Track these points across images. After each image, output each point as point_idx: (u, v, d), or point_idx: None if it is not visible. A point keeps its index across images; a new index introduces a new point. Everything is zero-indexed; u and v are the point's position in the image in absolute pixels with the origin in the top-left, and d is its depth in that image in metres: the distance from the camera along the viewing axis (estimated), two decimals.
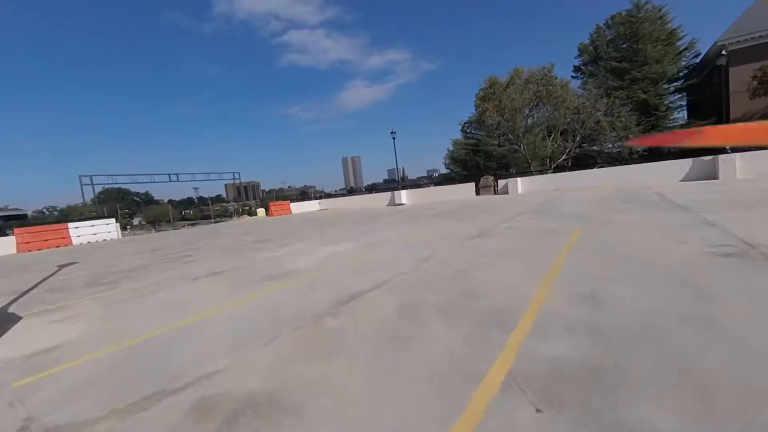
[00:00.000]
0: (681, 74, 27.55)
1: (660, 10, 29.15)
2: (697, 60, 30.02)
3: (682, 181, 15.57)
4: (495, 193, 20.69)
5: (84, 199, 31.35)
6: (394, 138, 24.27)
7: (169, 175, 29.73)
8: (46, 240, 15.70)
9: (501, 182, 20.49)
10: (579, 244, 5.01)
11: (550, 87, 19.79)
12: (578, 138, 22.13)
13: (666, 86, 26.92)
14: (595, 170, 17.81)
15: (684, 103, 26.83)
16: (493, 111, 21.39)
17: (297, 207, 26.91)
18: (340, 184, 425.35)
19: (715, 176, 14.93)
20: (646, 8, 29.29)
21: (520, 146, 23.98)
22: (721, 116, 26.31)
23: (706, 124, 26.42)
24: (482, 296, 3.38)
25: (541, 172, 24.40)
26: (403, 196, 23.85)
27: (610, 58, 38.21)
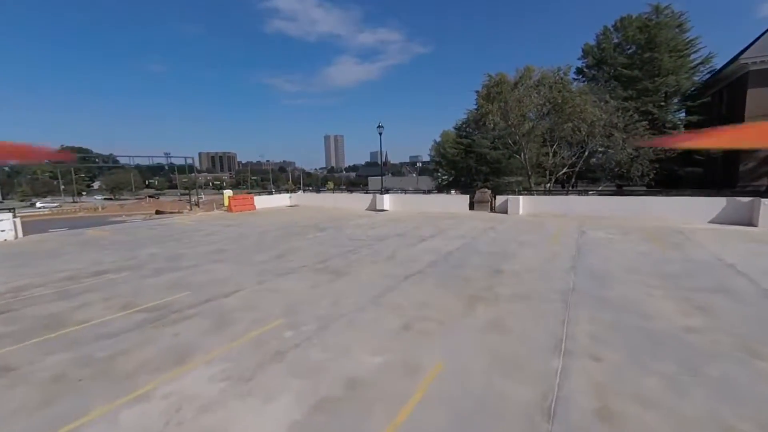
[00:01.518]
0: (694, 90, 25.49)
1: (680, 17, 26.73)
2: (707, 76, 28.02)
3: (711, 222, 13.35)
4: (491, 210, 18.01)
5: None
6: (380, 133, 21.02)
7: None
8: None
9: (499, 198, 17.80)
10: None
11: (567, 94, 17.05)
12: (586, 153, 19.66)
13: (679, 102, 24.83)
14: (611, 198, 15.40)
15: (693, 121, 24.85)
16: (497, 113, 18.47)
17: (263, 202, 23.32)
18: (321, 163, 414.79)
19: (751, 222, 12.77)
20: (665, 13, 26.77)
21: (520, 155, 21.30)
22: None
23: (719, 151, 24.62)
24: None
25: (544, 188, 21.93)
26: (386, 201, 20.80)
27: (619, 64, 35.95)
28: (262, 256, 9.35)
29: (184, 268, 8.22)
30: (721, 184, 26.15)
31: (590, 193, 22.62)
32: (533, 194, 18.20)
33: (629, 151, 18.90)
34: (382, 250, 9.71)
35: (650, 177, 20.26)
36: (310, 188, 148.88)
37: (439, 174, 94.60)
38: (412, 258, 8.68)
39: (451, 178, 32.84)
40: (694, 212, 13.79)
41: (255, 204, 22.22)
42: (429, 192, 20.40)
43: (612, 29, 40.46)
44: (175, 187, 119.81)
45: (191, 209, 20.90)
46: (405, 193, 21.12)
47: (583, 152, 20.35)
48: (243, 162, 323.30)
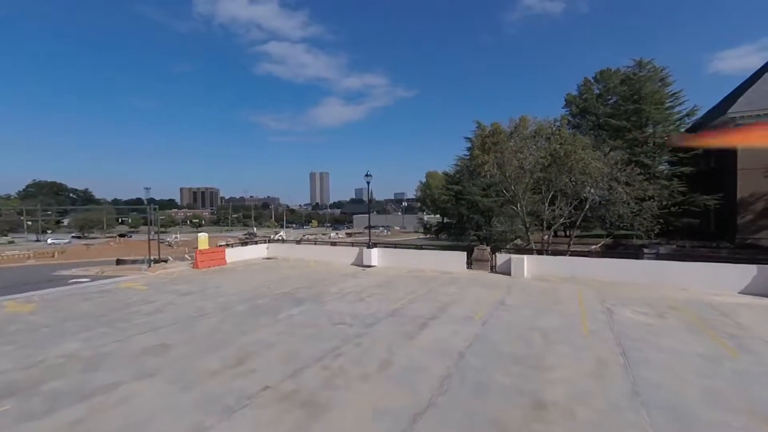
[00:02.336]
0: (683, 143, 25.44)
1: (662, 71, 27.29)
2: (689, 127, 28.27)
3: (743, 294, 11.84)
4: (492, 271, 16.20)
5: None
6: (368, 182, 19.46)
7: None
8: None
9: (500, 257, 16.06)
10: None
11: (568, 147, 16.06)
12: (587, 206, 18.48)
13: (670, 153, 24.57)
14: (623, 262, 13.88)
15: (686, 172, 24.47)
16: (493, 164, 17.29)
17: (236, 254, 20.91)
18: (306, 199, 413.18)
19: None
20: (648, 68, 27.33)
21: (516, 205, 19.96)
22: (726, 191, 24.15)
23: (711, 200, 24.12)
24: None
25: (542, 241, 20.47)
26: (374, 256, 18.80)
27: (602, 114, 36.58)
28: (214, 360, 7.01)
29: (95, 391, 5.80)
30: (715, 236, 25.44)
31: (592, 248, 21.28)
32: (536, 253, 16.61)
33: (632, 205, 17.81)
34: (373, 347, 7.54)
35: (654, 232, 19.13)
36: (294, 225, 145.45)
37: (424, 213, 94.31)
38: (416, 367, 6.55)
39: (441, 223, 31.33)
40: (720, 281, 12.34)
41: (226, 258, 19.77)
42: (419, 247, 18.53)
43: (593, 80, 42.00)
44: (151, 223, 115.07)
45: (150, 266, 18.24)
46: (395, 247, 19.18)
47: (583, 205, 19.19)
48: (226, 197, 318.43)
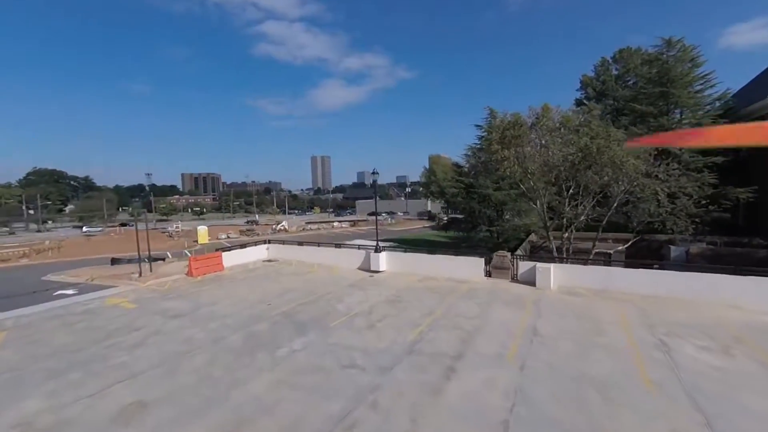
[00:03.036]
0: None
1: (692, 51, 24.99)
2: (720, 113, 26.06)
3: None
4: (513, 279, 14.76)
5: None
6: (375, 180, 17.88)
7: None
8: None
9: (523, 265, 14.59)
10: None
11: (601, 141, 14.20)
12: (615, 204, 16.83)
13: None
14: (664, 274, 12.39)
15: (719, 162, 22.62)
16: (514, 161, 15.56)
17: (234, 258, 19.53)
18: (308, 183, 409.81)
19: None
20: (678, 47, 25.02)
21: (536, 203, 18.35)
22: (761, 182, 22.37)
23: (744, 192, 22.36)
24: None
25: (561, 240, 18.92)
26: (382, 261, 17.39)
27: (622, 97, 34.27)
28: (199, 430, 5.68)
29: None
30: (745, 231, 23.76)
31: (619, 248, 19.73)
32: (557, 253, 15.11)
33: (665, 202, 16.17)
34: (392, 410, 6.17)
35: (690, 232, 17.55)
36: (296, 212, 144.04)
37: (429, 200, 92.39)
38: None
39: (450, 217, 29.77)
40: None
41: (223, 263, 18.42)
42: (431, 250, 17.11)
43: (611, 61, 39.39)
44: (152, 210, 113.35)
45: (141, 275, 16.91)
46: (404, 251, 17.71)
47: (609, 201, 17.55)
48: (228, 183, 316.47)
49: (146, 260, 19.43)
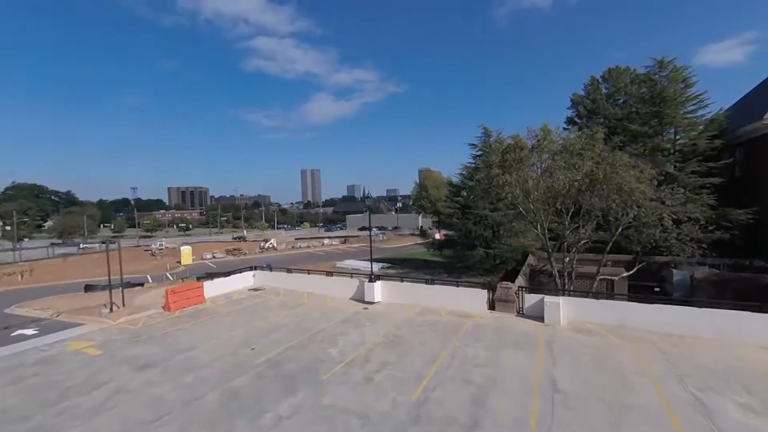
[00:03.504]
0: (714, 150, 23.19)
1: (684, 71, 25.02)
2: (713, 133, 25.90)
3: None
4: (519, 313, 13.76)
5: None
6: (368, 205, 16.84)
7: None
8: None
9: (529, 298, 13.63)
10: None
11: (607, 167, 13.50)
12: (619, 229, 16.10)
13: (698, 163, 22.33)
14: (681, 310, 11.54)
15: (716, 183, 22.31)
16: (516, 185, 14.78)
17: (217, 287, 18.12)
18: (297, 197, 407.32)
19: None
20: (669, 68, 25.03)
21: (537, 227, 17.54)
22: (761, 203, 22.11)
23: (743, 214, 22.02)
24: None
25: (563, 264, 18.08)
26: (377, 291, 16.25)
27: (613, 116, 34.35)
28: None
29: None
30: (744, 252, 23.36)
31: (623, 275, 18.98)
32: (558, 277, 14.22)
33: (670, 228, 15.49)
34: None
35: (696, 258, 16.90)
36: (285, 227, 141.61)
37: (421, 215, 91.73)
38: None
39: (443, 239, 28.87)
40: None
41: (205, 294, 17.00)
42: (430, 281, 16.08)
43: (600, 79, 39.74)
44: (136, 225, 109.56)
45: (111, 310, 15.35)
46: (401, 280, 16.57)
47: (610, 225, 16.85)
48: (216, 197, 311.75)
49: (121, 287, 17.87)
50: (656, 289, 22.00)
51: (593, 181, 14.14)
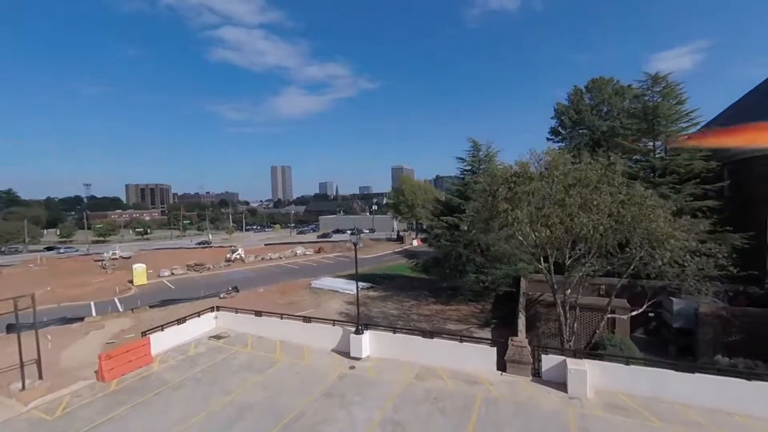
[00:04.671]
0: (710, 172, 22.45)
1: (675, 87, 24.23)
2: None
3: None
4: (535, 376, 11.77)
5: None
6: (356, 243, 14.34)
7: None
8: None
9: (547, 359, 11.65)
10: None
11: (635, 210, 11.75)
12: (632, 267, 14.49)
13: (694, 185, 21.48)
14: (724, 381, 9.95)
15: (711, 206, 21.55)
16: (525, 221, 12.75)
17: (169, 338, 14.92)
18: (267, 194, 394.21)
19: None
20: (661, 83, 24.17)
21: (541, 263, 15.68)
22: (757, 226, 21.58)
23: (738, 239, 21.37)
24: None
25: (575, 299, 16.36)
26: (365, 345, 13.81)
27: (598, 128, 33.62)
28: None
29: None
30: (739, 278, 22.81)
31: (635, 312, 17.53)
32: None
33: (692, 266, 13.97)
34: None
35: (710, 294, 15.73)
36: (255, 228, 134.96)
37: (397, 220, 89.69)
38: None
39: (431, 259, 26.73)
40: None
41: (152, 351, 13.80)
42: (429, 334, 13.81)
43: (584, 90, 39.09)
44: (88, 227, 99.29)
45: (24, 387, 11.89)
46: (394, 332, 14.09)
47: (619, 259, 15.28)
48: (179, 194, 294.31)
49: (49, 341, 14.24)
50: (651, 314, 20.96)
51: (618, 222, 12.33)
